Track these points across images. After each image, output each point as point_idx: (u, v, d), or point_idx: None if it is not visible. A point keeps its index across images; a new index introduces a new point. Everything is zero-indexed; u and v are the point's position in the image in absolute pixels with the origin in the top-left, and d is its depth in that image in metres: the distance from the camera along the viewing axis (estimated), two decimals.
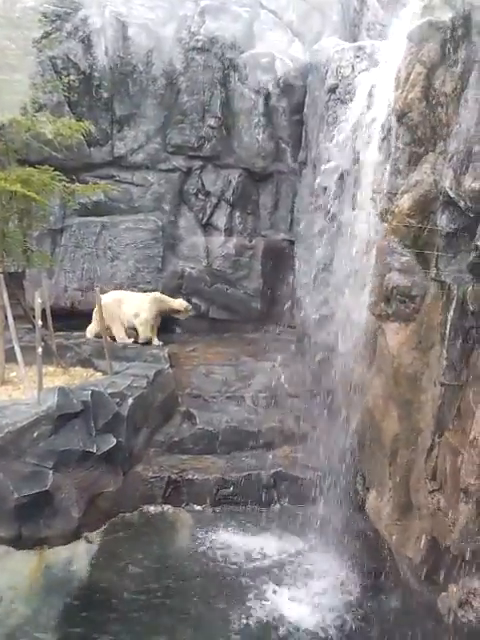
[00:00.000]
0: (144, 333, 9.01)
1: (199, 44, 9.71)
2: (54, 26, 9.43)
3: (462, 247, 4.40)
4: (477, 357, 4.18)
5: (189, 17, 9.86)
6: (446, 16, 4.71)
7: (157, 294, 9.26)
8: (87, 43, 9.57)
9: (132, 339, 9.03)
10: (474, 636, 3.90)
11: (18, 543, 5.54)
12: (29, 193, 6.85)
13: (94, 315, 8.75)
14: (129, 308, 9.00)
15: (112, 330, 8.87)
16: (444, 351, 4.41)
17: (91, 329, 8.94)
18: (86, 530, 5.91)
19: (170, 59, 9.74)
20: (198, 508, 6.53)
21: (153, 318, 9.06)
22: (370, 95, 6.34)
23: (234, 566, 5.58)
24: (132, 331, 9.10)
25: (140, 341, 9.00)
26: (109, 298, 8.84)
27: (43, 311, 6.98)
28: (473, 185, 4.23)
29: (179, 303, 9.27)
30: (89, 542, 5.82)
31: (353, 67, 7.61)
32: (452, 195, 4.39)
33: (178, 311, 9.32)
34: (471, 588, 3.95)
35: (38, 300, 6.66)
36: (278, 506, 6.61)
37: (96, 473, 6.11)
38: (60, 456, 5.82)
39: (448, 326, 4.37)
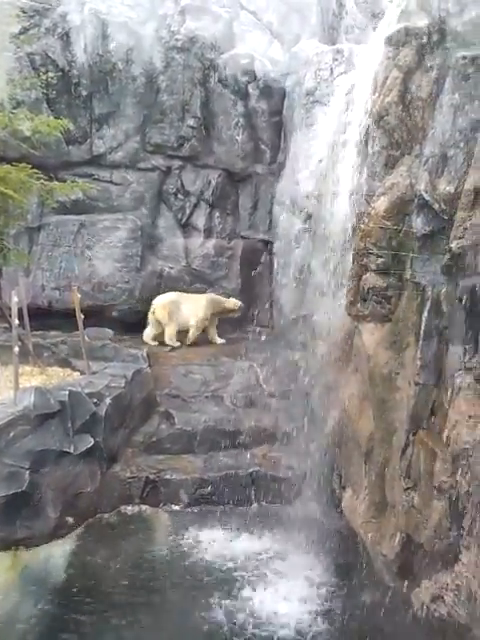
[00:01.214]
0: (194, 335, 9.13)
1: (179, 43, 9.70)
2: (32, 22, 9.32)
3: (436, 249, 4.49)
4: (450, 357, 4.26)
5: (169, 16, 9.83)
6: (422, 22, 4.80)
7: (213, 295, 9.42)
8: (66, 40, 9.48)
9: (179, 343, 9.11)
10: (446, 629, 3.98)
11: None
12: (6, 191, 6.79)
13: (150, 318, 8.82)
14: (188, 309, 9.09)
15: (166, 331, 8.98)
16: (418, 351, 4.49)
17: (149, 333, 8.98)
18: (63, 531, 5.87)
19: (150, 58, 9.71)
20: (176, 508, 6.54)
21: (207, 319, 9.14)
22: (348, 98, 6.42)
23: (212, 566, 5.60)
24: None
25: (188, 342, 9.08)
26: (166, 299, 8.92)
27: (20, 310, 6.91)
28: (447, 188, 4.33)
29: (233, 303, 9.40)
30: None
31: (331, 70, 7.72)
32: (427, 198, 4.48)
33: (233, 310, 9.39)
34: (443, 583, 4.03)
35: (15, 299, 6.60)
36: (256, 505, 6.65)
37: (73, 473, 6.08)
38: (37, 456, 5.78)
39: (422, 326, 4.46)
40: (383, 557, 4.89)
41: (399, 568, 4.67)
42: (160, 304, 8.86)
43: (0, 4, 7.72)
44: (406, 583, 4.55)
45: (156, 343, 9.17)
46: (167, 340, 9.06)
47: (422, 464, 4.43)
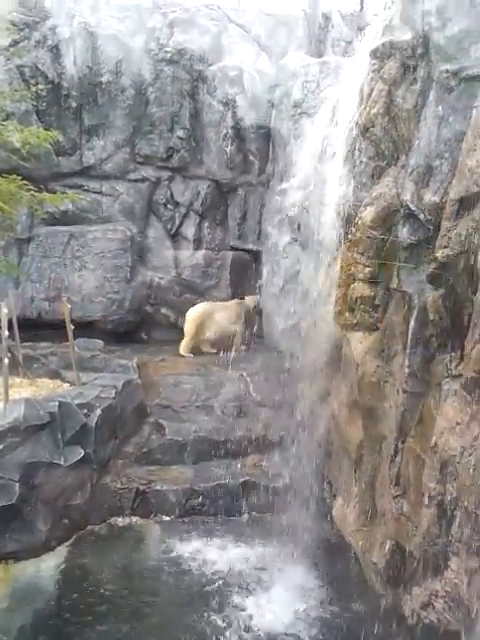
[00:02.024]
0: (239, 340, 9.23)
1: (168, 56, 9.80)
2: (22, 34, 9.40)
3: (422, 258, 4.55)
4: (437, 365, 4.31)
5: (158, 29, 9.94)
6: (406, 36, 4.88)
7: (238, 300, 9.47)
8: (56, 52, 9.55)
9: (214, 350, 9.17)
10: (435, 636, 3.99)
11: None
12: None
13: (186, 328, 8.90)
14: (222, 317, 9.19)
15: (183, 342, 9.14)
16: (406, 359, 4.52)
17: (186, 345, 9.01)
18: (53, 544, 5.83)
19: (139, 70, 9.79)
20: (166, 519, 6.51)
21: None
22: (334, 110, 6.50)
23: (203, 576, 5.58)
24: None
25: (235, 349, 9.06)
26: (199, 310, 9.01)
27: (9, 321, 6.89)
28: (433, 199, 4.39)
29: (254, 299, 9.51)
30: None
31: (318, 82, 7.81)
32: (413, 208, 4.54)
33: (254, 307, 9.48)
34: (433, 590, 4.04)
35: (4, 310, 6.58)
36: (247, 515, 6.64)
37: (64, 485, 6.04)
38: (27, 468, 5.74)
39: (409, 335, 4.50)
40: (373, 565, 4.90)
41: (389, 576, 4.68)
42: (190, 317, 8.98)
43: None
44: (396, 591, 4.56)
45: (191, 355, 9.21)
46: (182, 350, 9.14)
47: (411, 471, 4.46)
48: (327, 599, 5.23)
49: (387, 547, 4.67)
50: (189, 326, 9.14)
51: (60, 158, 9.72)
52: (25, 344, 7.93)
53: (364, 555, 5.09)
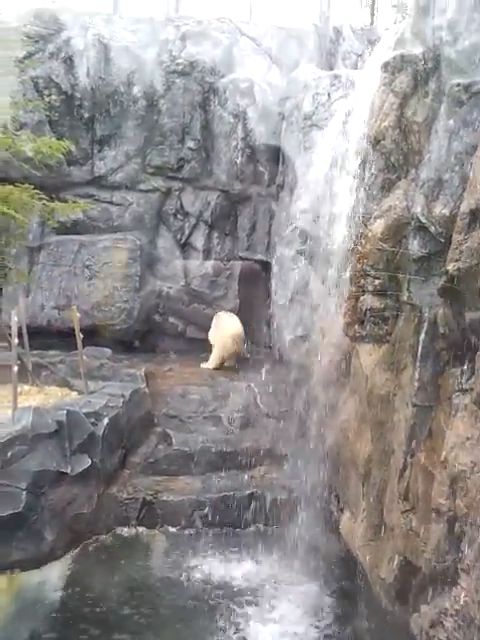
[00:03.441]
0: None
1: (180, 68, 9.89)
2: (37, 47, 9.54)
3: (433, 271, 4.52)
4: (448, 379, 4.27)
5: (170, 41, 10.05)
6: (417, 50, 4.90)
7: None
8: (69, 64, 9.67)
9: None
10: None
11: None
12: (8, 211, 6.86)
13: (227, 345, 8.97)
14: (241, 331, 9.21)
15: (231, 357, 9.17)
16: (416, 372, 4.49)
17: (220, 360, 9.05)
18: (59, 553, 5.81)
19: (151, 81, 9.89)
20: (173, 530, 6.48)
21: None
22: (345, 122, 6.52)
23: (208, 589, 5.54)
24: None
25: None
26: (238, 326, 9.13)
27: (19, 329, 6.93)
28: (443, 211, 4.38)
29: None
30: None
31: (329, 95, 7.82)
32: (423, 221, 4.52)
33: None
34: (442, 608, 3.97)
35: (14, 318, 6.62)
36: (253, 528, 6.59)
37: (70, 494, 6.03)
38: (34, 477, 5.74)
39: (420, 348, 4.46)
40: (381, 581, 4.84)
41: (397, 592, 4.61)
42: (234, 334, 9.06)
43: (6, 30, 7.88)
44: (405, 608, 4.49)
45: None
46: (211, 365, 9.21)
47: (420, 486, 4.41)
48: (334, 614, 5.18)
49: (395, 563, 4.60)
50: (232, 343, 9.06)
51: (72, 168, 9.80)
52: (34, 352, 7.96)
53: (372, 570, 5.03)
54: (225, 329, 9.20)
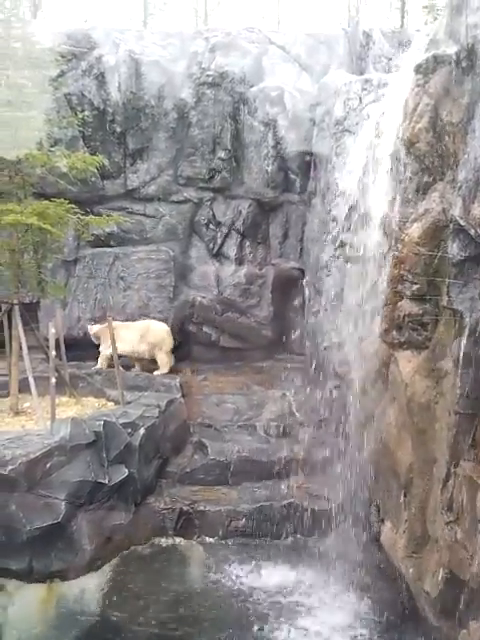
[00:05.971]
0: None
1: (209, 79, 9.95)
2: (70, 65, 9.73)
3: (474, 275, 4.40)
4: None
5: (200, 54, 10.12)
6: (451, 50, 4.81)
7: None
8: (101, 80, 9.84)
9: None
10: None
11: (29, 576, 5.48)
12: (45, 226, 6.98)
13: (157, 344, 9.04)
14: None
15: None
16: (457, 379, 4.36)
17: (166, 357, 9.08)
18: (98, 563, 5.84)
19: (181, 94, 9.97)
20: (210, 540, 6.45)
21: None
22: (378, 126, 6.44)
23: (247, 600, 5.48)
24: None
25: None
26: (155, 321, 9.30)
27: (57, 341, 7.03)
28: None
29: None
30: None
31: (360, 99, 7.75)
32: (462, 223, 4.41)
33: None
34: None
35: (52, 330, 6.72)
36: (291, 538, 6.50)
37: (108, 505, 6.06)
38: (72, 487, 5.79)
39: (461, 354, 4.34)
40: (426, 594, 4.69)
41: (443, 607, 4.47)
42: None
43: (41, 50, 8.08)
44: (451, 623, 4.34)
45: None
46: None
47: (464, 497, 4.27)
48: (375, 628, 5.04)
49: (440, 576, 4.46)
50: (168, 334, 9.22)
51: (105, 182, 9.95)
52: (71, 363, 8.08)
53: (415, 583, 4.89)
54: (155, 330, 9.16)
